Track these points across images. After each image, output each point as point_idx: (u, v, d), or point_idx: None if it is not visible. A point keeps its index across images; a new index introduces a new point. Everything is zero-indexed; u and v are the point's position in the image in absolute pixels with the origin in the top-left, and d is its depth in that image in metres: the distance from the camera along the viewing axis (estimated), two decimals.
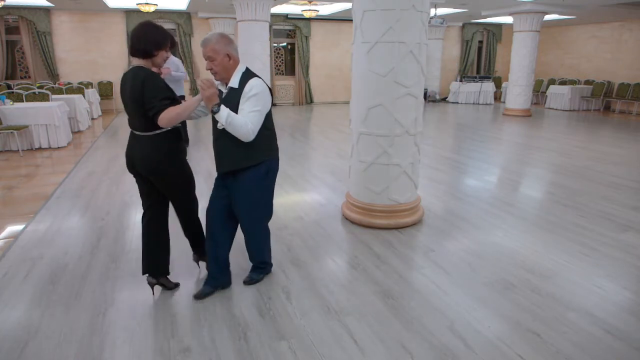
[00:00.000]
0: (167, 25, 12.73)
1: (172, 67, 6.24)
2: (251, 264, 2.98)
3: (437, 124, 10.75)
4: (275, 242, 3.58)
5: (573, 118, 11.65)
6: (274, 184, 2.80)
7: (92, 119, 10.48)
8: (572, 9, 10.93)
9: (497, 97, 15.93)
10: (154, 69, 2.53)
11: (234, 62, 2.52)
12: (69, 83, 10.71)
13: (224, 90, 2.59)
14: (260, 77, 2.55)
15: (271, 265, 3.08)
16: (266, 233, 2.94)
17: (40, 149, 7.16)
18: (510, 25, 13.38)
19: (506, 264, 3.21)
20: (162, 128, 2.46)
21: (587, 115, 12.29)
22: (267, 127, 2.61)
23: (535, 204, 4.70)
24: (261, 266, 2.98)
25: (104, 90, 12.16)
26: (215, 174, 2.77)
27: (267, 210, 2.85)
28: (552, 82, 14.53)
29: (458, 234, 3.78)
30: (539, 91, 14.83)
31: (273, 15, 12.54)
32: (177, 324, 2.45)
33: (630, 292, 2.84)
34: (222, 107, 2.39)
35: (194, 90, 12.48)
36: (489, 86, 14.79)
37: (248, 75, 2.52)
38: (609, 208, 4.43)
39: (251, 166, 2.59)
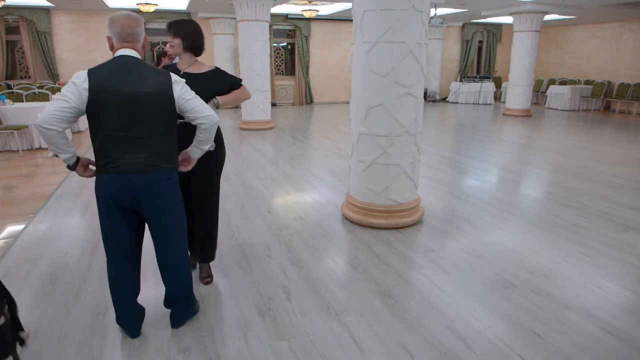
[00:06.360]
0: None
1: None
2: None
3: (437, 124, 10.75)
4: (276, 242, 3.58)
5: (573, 118, 11.64)
6: (103, 215, 2.11)
7: None
8: (572, 9, 10.93)
9: (497, 97, 15.92)
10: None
11: (113, 49, 2.11)
12: None
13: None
14: (99, 68, 2.00)
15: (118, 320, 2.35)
16: (109, 274, 2.25)
17: (40, 149, 7.15)
18: (510, 25, 13.36)
19: (506, 264, 3.21)
20: None
21: (587, 115, 12.29)
22: (95, 130, 2.01)
23: (535, 203, 4.69)
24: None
25: None
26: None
27: (105, 241, 2.18)
28: (552, 82, 14.53)
29: (458, 234, 3.78)
30: (539, 91, 14.83)
31: (273, 15, 12.54)
32: None
33: (630, 292, 2.84)
34: None
35: None
36: (489, 86, 14.79)
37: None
38: (609, 208, 4.43)
39: None
